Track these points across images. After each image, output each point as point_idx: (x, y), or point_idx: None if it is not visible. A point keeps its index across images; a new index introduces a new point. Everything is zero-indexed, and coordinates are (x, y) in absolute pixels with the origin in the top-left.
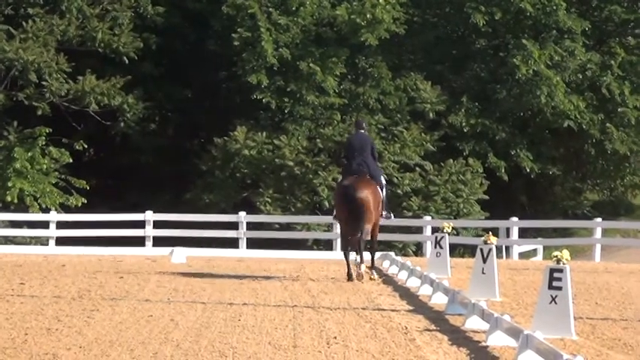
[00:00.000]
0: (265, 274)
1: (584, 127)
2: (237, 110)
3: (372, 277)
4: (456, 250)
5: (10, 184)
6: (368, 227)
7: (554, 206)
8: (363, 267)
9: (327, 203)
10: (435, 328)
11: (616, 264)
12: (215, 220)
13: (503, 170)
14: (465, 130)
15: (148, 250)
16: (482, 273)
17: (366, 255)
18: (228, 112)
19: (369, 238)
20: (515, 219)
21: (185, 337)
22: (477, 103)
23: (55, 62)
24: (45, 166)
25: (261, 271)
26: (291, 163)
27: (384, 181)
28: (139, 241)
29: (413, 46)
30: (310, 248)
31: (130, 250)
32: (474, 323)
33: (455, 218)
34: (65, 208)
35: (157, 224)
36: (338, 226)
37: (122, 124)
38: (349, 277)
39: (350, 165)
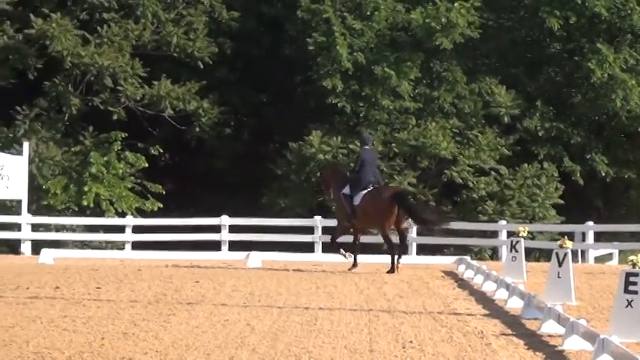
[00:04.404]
0: (341, 278)
1: None
2: (312, 114)
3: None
4: (531, 254)
5: (86, 188)
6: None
7: (629, 210)
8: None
9: None
10: (511, 332)
11: None
12: (290, 224)
13: (578, 174)
14: (540, 134)
15: (224, 254)
16: (558, 277)
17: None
18: (303, 117)
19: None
20: (590, 223)
21: (261, 342)
22: (551, 107)
23: (130, 67)
24: (121, 171)
25: (337, 274)
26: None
27: None
28: (215, 246)
29: (487, 50)
30: (386, 252)
31: (206, 254)
32: (550, 327)
33: (530, 222)
34: (141, 213)
35: (233, 229)
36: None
37: (197, 128)
38: (355, 266)
39: (366, 176)
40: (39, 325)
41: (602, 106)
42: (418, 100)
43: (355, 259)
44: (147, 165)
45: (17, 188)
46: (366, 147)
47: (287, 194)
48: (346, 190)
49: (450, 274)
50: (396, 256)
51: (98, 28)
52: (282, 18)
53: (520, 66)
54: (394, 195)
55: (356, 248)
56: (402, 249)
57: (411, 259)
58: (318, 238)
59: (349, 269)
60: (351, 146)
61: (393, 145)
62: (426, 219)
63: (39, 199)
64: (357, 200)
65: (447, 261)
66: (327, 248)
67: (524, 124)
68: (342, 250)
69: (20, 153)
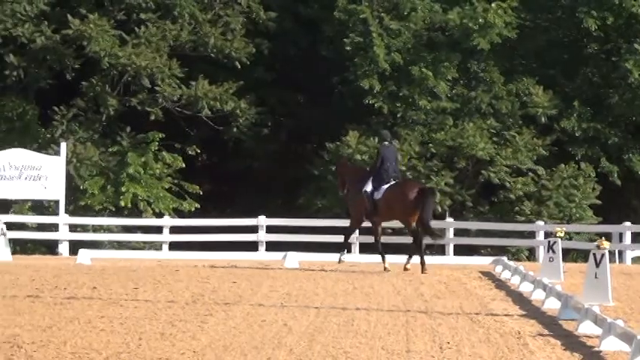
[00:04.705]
0: (378, 279)
1: None
2: (349, 115)
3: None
4: (568, 255)
5: (123, 189)
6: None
7: None
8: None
9: (439, 208)
10: (548, 333)
11: None
12: (328, 224)
13: (615, 175)
14: (577, 135)
15: (261, 254)
16: (595, 278)
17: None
18: (341, 117)
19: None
20: (628, 224)
21: (298, 342)
22: (589, 108)
23: (168, 67)
24: (158, 171)
25: (374, 275)
26: (403, 168)
27: None
28: (252, 246)
29: (525, 50)
30: (414, 251)
31: (243, 255)
32: (587, 328)
33: (567, 223)
34: (178, 213)
35: (270, 229)
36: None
37: (235, 129)
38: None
39: (387, 172)
40: (76, 326)
41: None
42: (455, 101)
43: (383, 258)
44: (184, 165)
45: (55, 189)
46: (385, 143)
47: (324, 195)
48: (368, 187)
49: (487, 274)
50: (414, 255)
51: (135, 28)
52: (319, 18)
53: (557, 66)
54: (421, 190)
55: (380, 247)
56: (417, 248)
57: (448, 259)
58: (355, 238)
59: (385, 269)
60: None
61: (430, 145)
62: (428, 225)
63: (76, 200)
64: (378, 195)
65: (484, 262)
66: (365, 249)
67: (561, 125)
68: (344, 253)
69: (58, 153)
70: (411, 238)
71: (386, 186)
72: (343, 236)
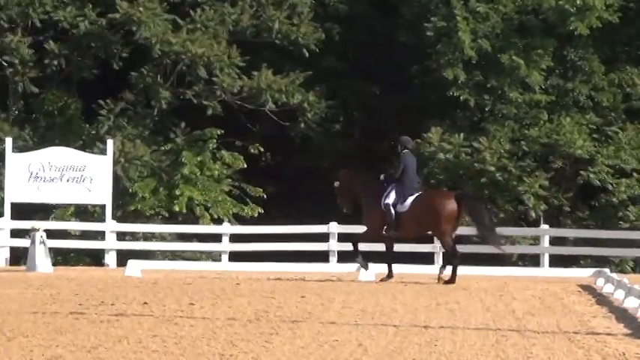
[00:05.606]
0: (464, 294)
1: None
2: (431, 109)
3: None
4: None
5: (177, 192)
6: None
7: None
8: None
9: (533, 213)
10: None
11: None
12: None
13: None
14: None
15: (332, 266)
16: None
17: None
18: (421, 111)
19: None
20: None
21: None
22: None
23: (227, 56)
24: (216, 172)
25: (460, 289)
26: (492, 169)
27: None
28: (323, 257)
29: (628, 36)
30: (515, 264)
31: (312, 266)
32: None
33: None
34: (239, 219)
35: (343, 237)
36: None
37: (302, 124)
38: (390, 276)
39: (410, 182)
40: (125, 346)
41: None
42: (550, 93)
43: (390, 269)
44: (245, 166)
45: (101, 192)
46: (406, 151)
47: None
48: (389, 199)
49: (587, 288)
50: (449, 266)
51: (191, 12)
52: (397, 1)
53: None
54: (458, 197)
55: (390, 258)
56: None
57: (542, 271)
58: (438, 248)
59: (382, 280)
60: (475, 144)
61: (523, 143)
62: (492, 228)
63: (125, 204)
64: (403, 208)
65: (583, 274)
66: (448, 259)
67: None
68: (359, 259)
69: (104, 152)
70: (446, 250)
71: (411, 198)
72: (352, 243)
